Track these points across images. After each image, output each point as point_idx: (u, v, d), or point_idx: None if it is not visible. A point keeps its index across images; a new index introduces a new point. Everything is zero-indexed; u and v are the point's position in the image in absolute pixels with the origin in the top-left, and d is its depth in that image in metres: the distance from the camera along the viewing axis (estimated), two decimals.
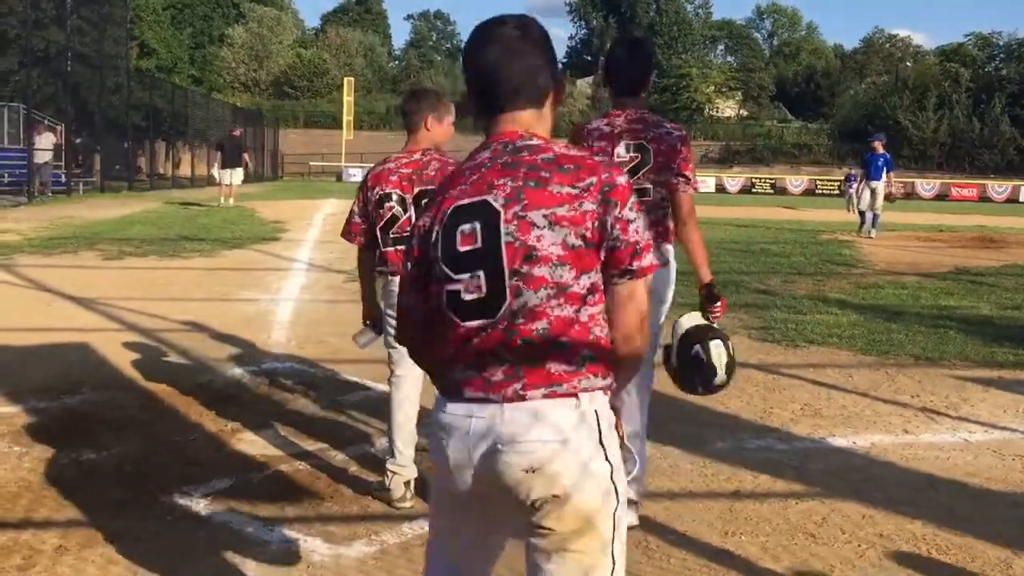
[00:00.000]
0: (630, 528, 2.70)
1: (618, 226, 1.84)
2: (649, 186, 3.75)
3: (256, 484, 4.12)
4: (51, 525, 3.62)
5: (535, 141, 1.92)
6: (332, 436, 4.79)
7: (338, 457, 4.49)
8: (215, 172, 25.03)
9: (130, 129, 32.95)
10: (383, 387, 5.78)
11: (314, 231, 16.94)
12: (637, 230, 1.87)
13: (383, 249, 3.92)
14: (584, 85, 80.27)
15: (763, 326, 8.14)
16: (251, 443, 4.68)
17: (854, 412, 5.54)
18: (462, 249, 1.86)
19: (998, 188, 49.92)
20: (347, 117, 52.48)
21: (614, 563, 1.88)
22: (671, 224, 3.82)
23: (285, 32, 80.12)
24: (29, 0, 24.37)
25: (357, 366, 6.19)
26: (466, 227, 1.87)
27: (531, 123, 1.95)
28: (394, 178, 3.90)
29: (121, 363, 6.24)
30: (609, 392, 1.91)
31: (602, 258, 1.85)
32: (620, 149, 3.75)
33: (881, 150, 18.45)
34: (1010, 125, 58.96)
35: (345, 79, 56.43)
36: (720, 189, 51.33)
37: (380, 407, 5.35)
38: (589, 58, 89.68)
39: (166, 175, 40.06)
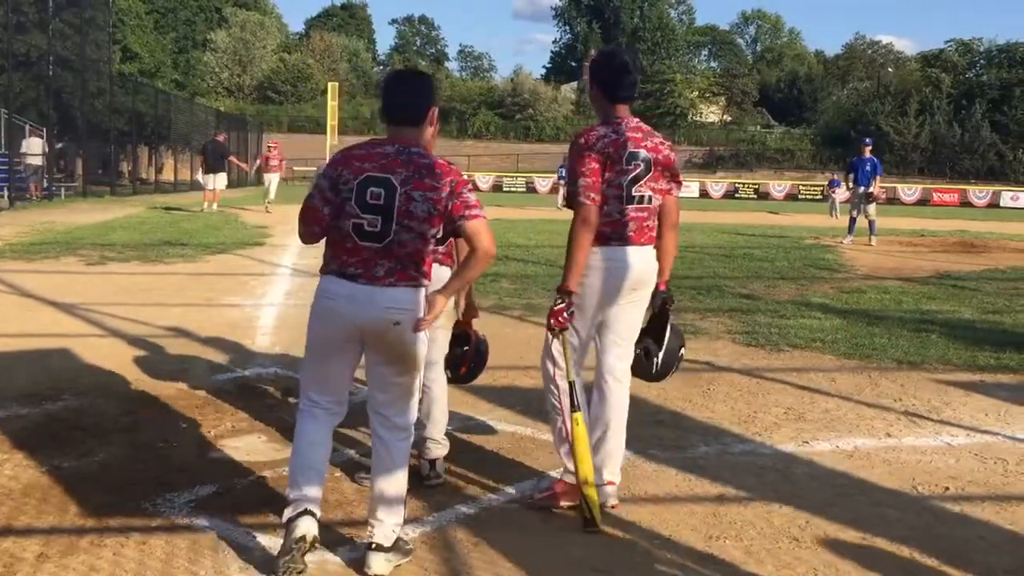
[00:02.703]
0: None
1: (457, 197, 3.29)
2: (649, 193, 3.89)
3: (240, 490, 4.11)
4: (32, 532, 3.60)
5: (419, 150, 3.34)
6: None
7: None
8: (199, 177, 24.94)
9: (113, 133, 32.80)
10: (367, 392, 5.77)
11: (298, 236, 16.92)
12: (468, 198, 3.31)
13: None
14: (568, 90, 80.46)
15: (746, 330, 8.17)
16: (235, 449, 4.66)
17: (837, 416, 5.57)
18: (370, 201, 3.23)
19: (979, 193, 50.29)
20: (331, 122, 52.35)
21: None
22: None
23: (269, 37, 79.98)
24: (10, 3, 24.23)
25: None
26: (375, 189, 3.24)
27: (417, 136, 3.38)
28: None
29: (103, 369, 6.21)
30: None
31: (446, 219, 3.29)
32: (625, 157, 3.82)
33: (868, 154, 18.56)
34: (990, 131, 59.43)
35: (329, 84, 56.36)
36: (704, 194, 51.50)
37: (363, 412, 5.33)
38: (574, 64, 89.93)
39: (149, 180, 39.88)
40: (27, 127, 26.05)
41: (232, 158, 24.40)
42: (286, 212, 22.77)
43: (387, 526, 3.36)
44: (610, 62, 4.04)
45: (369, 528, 3.39)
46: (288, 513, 3.32)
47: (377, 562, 3.30)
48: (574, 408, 3.85)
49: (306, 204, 3.37)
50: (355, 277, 3.26)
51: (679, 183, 4.13)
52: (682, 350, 4.27)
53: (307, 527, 3.28)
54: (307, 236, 3.45)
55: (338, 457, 4.56)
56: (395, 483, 3.41)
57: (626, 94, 3.96)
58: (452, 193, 3.29)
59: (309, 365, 3.46)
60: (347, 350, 3.37)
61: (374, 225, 3.23)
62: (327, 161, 3.41)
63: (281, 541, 3.31)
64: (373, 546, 3.32)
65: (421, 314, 3.31)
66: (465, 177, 3.43)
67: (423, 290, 3.36)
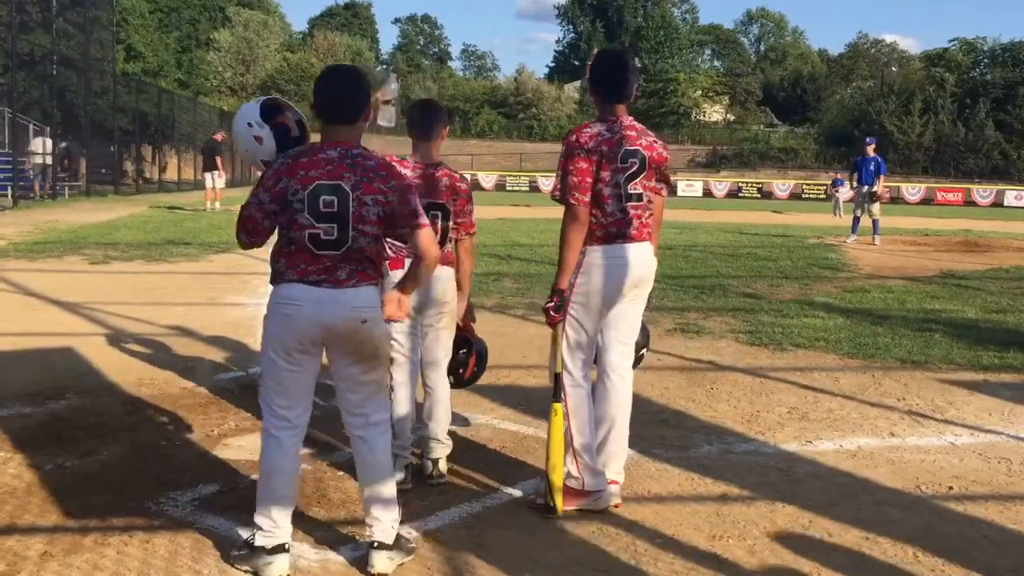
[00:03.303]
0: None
1: (404, 204, 3.27)
2: (642, 191, 3.92)
3: (242, 489, 4.10)
4: (36, 531, 3.60)
5: (361, 151, 3.29)
6: (318, 441, 4.78)
7: (324, 462, 4.48)
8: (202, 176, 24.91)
9: (116, 133, 32.84)
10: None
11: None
12: (415, 205, 3.32)
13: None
14: (571, 89, 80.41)
15: (750, 330, 8.16)
16: (237, 448, 4.66)
17: (841, 415, 5.56)
18: (324, 210, 3.18)
19: (983, 192, 50.19)
20: None
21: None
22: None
23: (272, 36, 79.93)
24: (13, 3, 24.25)
25: None
26: (327, 197, 3.19)
27: (354, 134, 3.32)
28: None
29: (106, 368, 6.21)
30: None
31: (391, 221, 3.28)
32: (621, 154, 3.84)
33: (872, 153, 18.51)
34: (994, 130, 59.22)
35: None
36: (707, 194, 51.46)
37: None
38: (577, 63, 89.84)
39: (152, 179, 39.93)
40: (31, 126, 26.10)
41: (217, 159, 24.06)
42: None
43: (385, 523, 3.36)
44: (608, 62, 4.07)
45: (368, 528, 3.39)
46: (263, 540, 3.28)
47: (380, 560, 3.31)
48: (556, 399, 3.89)
49: (244, 213, 3.32)
50: (318, 283, 3.23)
51: (669, 185, 4.19)
52: (643, 350, 4.32)
53: (283, 567, 3.27)
54: (247, 245, 3.42)
55: (341, 456, 4.57)
56: (385, 480, 3.41)
57: (624, 93, 3.98)
58: (400, 198, 3.28)
59: (273, 375, 3.36)
60: (312, 355, 3.34)
61: (330, 233, 3.20)
62: (266, 170, 3.35)
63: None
64: (375, 544, 3.33)
65: (381, 310, 3.35)
66: (409, 178, 3.44)
67: (380, 286, 3.40)
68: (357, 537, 3.59)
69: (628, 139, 3.91)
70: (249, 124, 3.60)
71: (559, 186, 3.89)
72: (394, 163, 3.46)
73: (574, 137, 3.89)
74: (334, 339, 3.30)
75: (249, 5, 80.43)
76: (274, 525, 3.29)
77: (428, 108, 4.37)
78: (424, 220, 3.34)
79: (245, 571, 3.29)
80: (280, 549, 3.27)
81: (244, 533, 3.45)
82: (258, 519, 3.31)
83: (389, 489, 3.42)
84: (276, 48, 79.55)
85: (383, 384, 3.52)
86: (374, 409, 3.46)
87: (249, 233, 3.36)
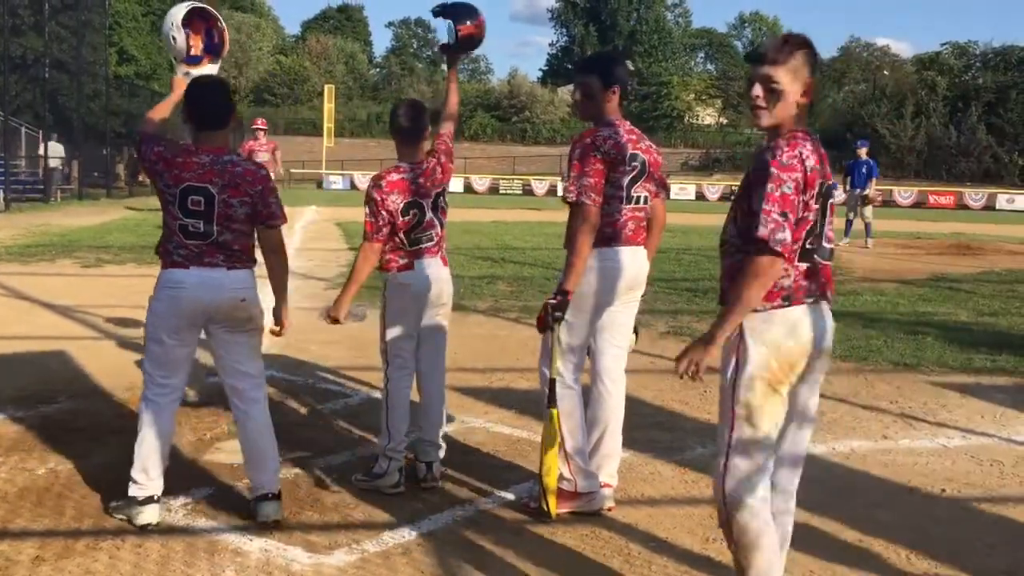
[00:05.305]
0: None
1: (264, 206, 3.74)
2: (645, 194, 3.92)
3: (235, 493, 4.10)
4: (28, 535, 3.59)
5: (231, 158, 3.75)
6: (312, 444, 4.78)
7: (319, 465, 4.47)
8: None
9: (109, 136, 32.77)
10: (364, 394, 5.78)
11: (294, 239, 16.80)
12: (273, 209, 3.79)
13: (410, 248, 4.20)
14: (565, 93, 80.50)
15: None
16: (230, 452, 4.64)
17: (833, 418, 5.57)
18: (191, 207, 3.64)
19: (975, 196, 50.28)
20: (328, 124, 52.36)
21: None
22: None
23: (265, 39, 79.96)
24: (6, 6, 24.21)
25: (337, 374, 6.19)
26: (195, 197, 3.64)
27: (225, 138, 3.80)
28: (413, 186, 4.19)
29: (99, 372, 6.19)
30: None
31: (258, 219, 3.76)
32: (627, 157, 3.87)
33: (864, 156, 18.56)
34: (986, 133, 59.46)
35: (326, 86, 56.36)
36: (700, 197, 51.49)
37: (361, 414, 5.34)
38: (570, 66, 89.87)
39: (145, 182, 39.78)
40: (23, 130, 26.04)
41: None
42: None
43: (271, 473, 3.79)
44: (618, 64, 4.03)
45: (252, 482, 3.80)
46: (136, 492, 3.68)
47: (272, 509, 3.73)
48: (551, 404, 3.83)
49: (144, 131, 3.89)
50: (200, 265, 3.67)
51: (667, 189, 4.22)
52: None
53: (153, 515, 3.68)
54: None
55: (335, 459, 4.57)
56: (267, 436, 3.86)
57: (623, 96, 3.99)
58: (262, 200, 3.74)
59: (157, 351, 3.77)
60: (193, 332, 3.80)
61: (197, 227, 3.66)
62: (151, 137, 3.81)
63: (276, 543, 3.29)
64: (268, 495, 3.74)
65: (256, 289, 3.80)
66: (273, 183, 3.87)
67: (252, 270, 3.83)
68: (351, 543, 3.59)
69: (630, 142, 3.91)
70: (172, 24, 4.36)
71: (573, 188, 3.81)
72: (263, 168, 3.90)
73: (589, 140, 3.84)
74: (217, 316, 3.75)
75: (242, 8, 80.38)
76: (148, 479, 3.70)
77: (414, 110, 4.31)
78: (278, 222, 3.83)
79: (121, 519, 3.69)
80: (150, 500, 3.68)
81: (236, 537, 3.44)
82: (134, 474, 3.70)
83: (271, 443, 3.85)
84: (269, 51, 79.57)
85: (260, 345, 3.95)
86: (257, 368, 3.93)
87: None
